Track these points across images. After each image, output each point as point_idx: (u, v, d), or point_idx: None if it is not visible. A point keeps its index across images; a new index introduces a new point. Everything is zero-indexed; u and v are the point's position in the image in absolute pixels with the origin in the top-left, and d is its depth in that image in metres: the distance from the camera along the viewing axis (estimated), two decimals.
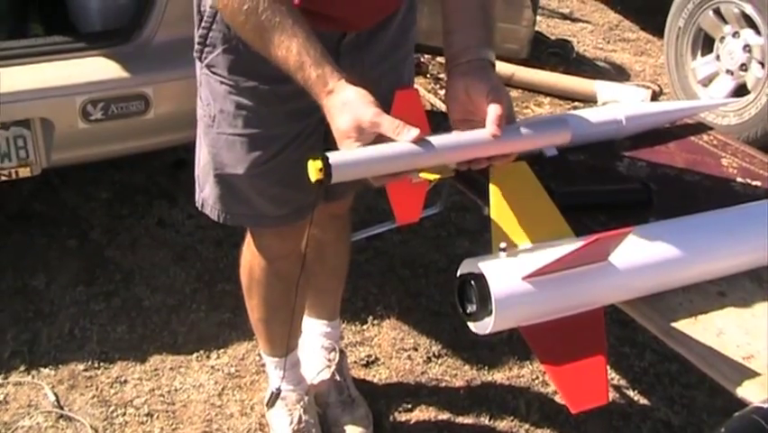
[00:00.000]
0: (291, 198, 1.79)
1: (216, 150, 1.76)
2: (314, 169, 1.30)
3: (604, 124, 1.99)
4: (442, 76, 2.36)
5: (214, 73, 1.69)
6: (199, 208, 1.88)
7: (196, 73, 1.76)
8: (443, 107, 2.22)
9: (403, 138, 1.34)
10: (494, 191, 1.50)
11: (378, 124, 1.34)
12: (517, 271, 1.32)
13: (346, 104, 1.36)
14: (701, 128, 2.20)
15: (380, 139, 1.36)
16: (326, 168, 1.30)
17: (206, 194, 1.84)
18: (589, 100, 2.26)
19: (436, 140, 1.43)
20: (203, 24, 1.66)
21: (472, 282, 1.33)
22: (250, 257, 2.03)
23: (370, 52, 1.71)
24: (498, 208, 1.47)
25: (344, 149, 1.36)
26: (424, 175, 1.43)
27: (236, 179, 1.76)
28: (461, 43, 1.53)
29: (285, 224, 1.83)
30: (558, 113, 2.21)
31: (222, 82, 1.68)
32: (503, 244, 1.37)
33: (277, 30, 1.39)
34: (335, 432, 2.29)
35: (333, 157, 1.31)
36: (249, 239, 2.00)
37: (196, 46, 1.70)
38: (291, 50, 1.39)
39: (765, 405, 1.22)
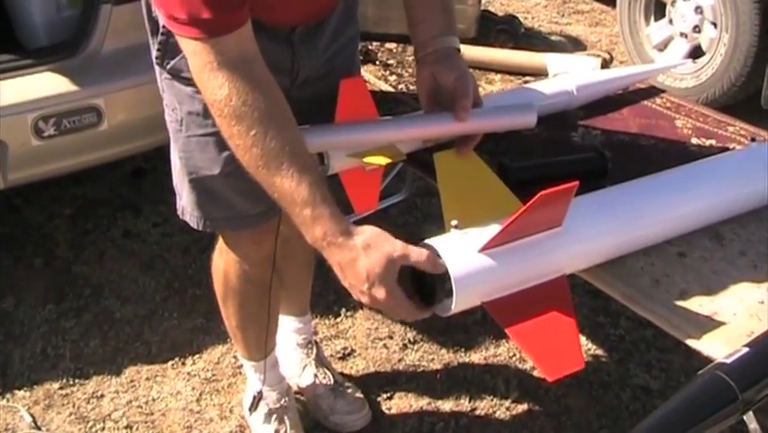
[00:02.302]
0: (265, 192, 1.77)
1: (188, 153, 1.73)
2: None
3: (555, 96, 1.99)
4: (391, 62, 2.35)
5: (177, 77, 1.66)
6: (180, 217, 1.86)
7: (157, 79, 1.73)
8: (392, 92, 2.22)
9: (432, 269, 1.32)
10: (440, 172, 1.51)
11: (407, 255, 1.32)
12: (472, 246, 1.32)
13: (370, 244, 1.32)
14: (654, 92, 2.21)
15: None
16: None
17: (185, 201, 1.82)
18: (541, 74, 2.25)
19: (406, 120, 1.49)
20: (160, 31, 1.63)
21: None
22: (224, 266, 2.01)
23: (321, 37, 1.70)
24: (447, 189, 1.47)
25: (379, 295, 1.31)
26: (373, 160, 1.43)
27: (212, 180, 1.73)
28: (426, 33, 1.62)
29: (263, 222, 1.81)
30: (509, 88, 2.21)
31: (188, 84, 1.65)
32: (455, 222, 1.36)
33: (287, 160, 1.34)
34: (334, 420, 2.30)
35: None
36: (222, 248, 1.98)
37: (156, 53, 1.67)
38: (301, 183, 1.33)
39: (728, 360, 1.23)
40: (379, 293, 1.31)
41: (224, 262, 2.00)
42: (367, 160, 1.56)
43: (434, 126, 1.61)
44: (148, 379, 2.47)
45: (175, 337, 2.62)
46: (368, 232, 1.33)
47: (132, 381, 2.46)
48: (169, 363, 2.52)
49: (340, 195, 1.66)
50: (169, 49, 1.63)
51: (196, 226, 1.82)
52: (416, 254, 1.32)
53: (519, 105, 1.76)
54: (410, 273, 1.33)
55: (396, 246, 1.32)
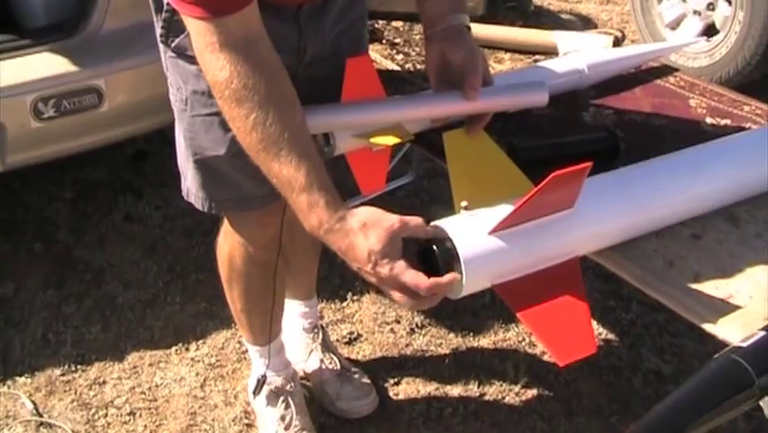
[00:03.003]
0: None
1: (193, 134, 1.73)
2: None
3: (566, 75, 1.98)
4: (397, 41, 2.35)
5: (182, 55, 1.65)
6: (185, 198, 1.86)
7: (162, 58, 1.73)
8: (398, 71, 2.21)
9: (432, 234, 1.32)
10: (450, 152, 1.50)
11: (406, 224, 1.31)
12: (483, 227, 1.31)
13: (366, 223, 1.31)
14: (667, 70, 2.20)
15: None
16: None
17: (189, 182, 1.82)
18: (551, 53, 2.24)
19: (413, 99, 1.48)
20: (165, 8, 1.62)
21: (435, 247, 1.32)
22: (229, 249, 2.01)
23: (327, 16, 1.70)
24: (457, 169, 1.47)
25: (384, 272, 1.30)
26: (380, 140, 1.43)
27: (217, 161, 1.73)
28: (435, 10, 1.61)
29: (268, 203, 1.81)
30: (519, 67, 2.20)
31: (193, 62, 1.64)
32: (464, 203, 1.36)
33: (286, 145, 1.34)
34: (341, 406, 2.30)
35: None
36: (227, 230, 1.98)
37: (160, 31, 1.66)
38: (300, 169, 1.33)
39: (744, 344, 1.22)
40: (385, 270, 1.30)
41: (228, 244, 2.00)
42: (374, 140, 1.56)
43: (443, 105, 1.61)
44: (151, 365, 2.47)
45: (178, 323, 2.62)
46: (362, 212, 1.33)
47: (134, 367, 2.47)
48: (173, 348, 2.53)
49: (346, 177, 1.66)
50: (174, 26, 1.62)
51: (200, 208, 1.82)
52: (414, 222, 1.32)
53: (530, 84, 1.75)
54: (417, 255, 1.33)
55: (392, 219, 1.31)
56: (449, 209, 1.42)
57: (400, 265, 1.30)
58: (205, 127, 1.70)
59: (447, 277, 1.30)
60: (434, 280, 1.29)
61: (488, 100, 1.60)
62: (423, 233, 1.33)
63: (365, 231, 1.31)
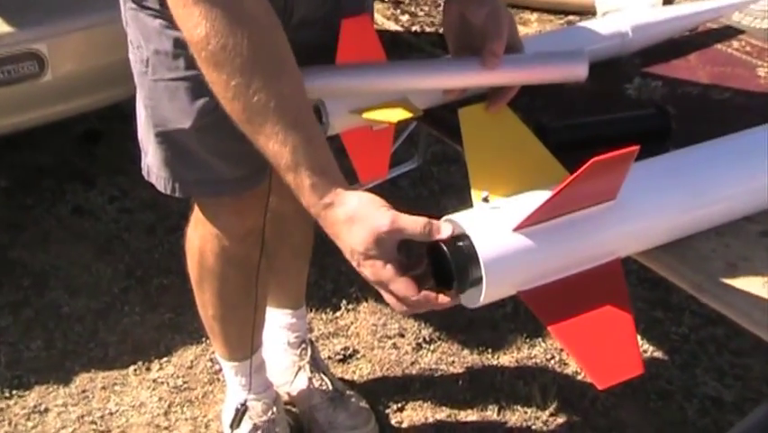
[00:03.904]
0: (249, 153, 1.77)
1: (155, 101, 1.73)
2: None
3: (606, 40, 1.98)
4: None
5: (144, 7, 1.65)
6: (146, 177, 1.86)
7: (121, 10, 1.73)
8: (403, 34, 2.21)
9: (436, 236, 1.31)
10: (467, 132, 1.50)
11: (399, 229, 1.30)
12: (507, 223, 1.31)
13: (352, 217, 1.31)
14: (730, 33, 2.19)
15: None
16: None
17: (150, 159, 1.82)
18: (587, 12, 2.24)
19: (423, 65, 1.46)
20: None
21: (445, 247, 1.32)
22: (199, 242, 2.01)
23: None
24: (475, 152, 1.46)
25: (367, 274, 1.31)
26: (382, 117, 1.42)
27: (183, 135, 1.73)
28: None
29: (246, 188, 1.81)
30: (548, 30, 2.20)
31: (156, 16, 1.64)
32: (484, 193, 1.36)
33: (271, 117, 1.34)
34: None
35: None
36: (198, 219, 1.98)
37: None
38: (286, 145, 1.34)
39: None
40: (367, 272, 1.31)
41: (199, 236, 2.01)
42: (374, 116, 1.55)
43: (458, 74, 1.59)
44: (104, 388, 2.48)
45: (137, 337, 2.63)
46: (351, 202, 1.33)
47: (83, 391, 2.47)
48: (131, 368, 2.54)
49: (341, 162, 1.66)
50: None
51: (163, 190, 1.82)
52: (412, 226, 1.31)
53: (567, 53, 1.74)
54: (427, 254, 1.33)
55: (381, 220, 1.30)
56: (464, 201, 1.42)
57: (388, 271, 1.30)
58: (169, 94, 1.70)
59: (443, 299, 1.31)
60: (424, 294, 1.30)
61: (512, 70, 1.59)
62: (422, 237, 1.32)
63: (350, 226, 1.31)
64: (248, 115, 1.35)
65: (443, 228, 1.30)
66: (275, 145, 1.34)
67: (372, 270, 1.30)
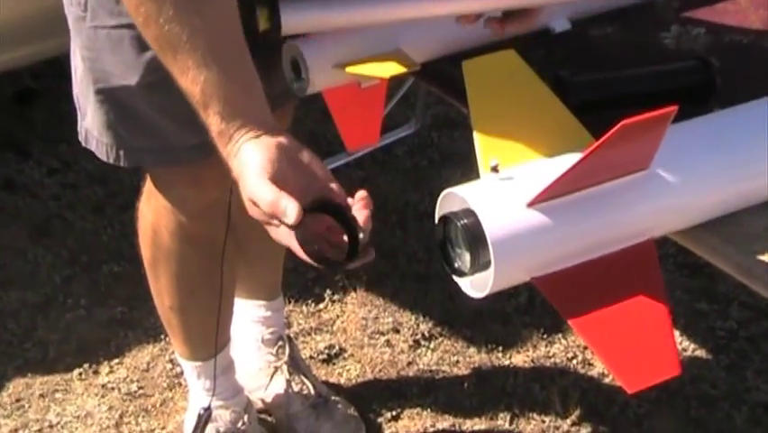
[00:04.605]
0: None
1: (95, 53, 1.73)
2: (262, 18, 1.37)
3: None
4: None
5: None
6: (83, 144, 1.86)
7: None
8: None
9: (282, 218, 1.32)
10: (472, 88, 1.49)
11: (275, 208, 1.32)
12: (519, 197, 1.31)
13: (240, 175, 1.36)
14: None
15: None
16: (275, 15, 1.37)
17: (89, 122, 1.82)
18: None
19: None
20: None
21: (458, 223, 1.32)
22: (153, 217, 2.01)
23: None
24: (482, 115, 1.46)
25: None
26: (371, 71, 1.42)
27: (128, 93, 1.73)
28: None
29: (204, 156, 1.81)
30: None
31: None
32: (493, 161, 1.35)
33: (183, 50, 1.36)
34: None
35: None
36: (150, 190, 1.98)
37: None
38: (197, 82, 1.36)
39: None
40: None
41: (152, 210, 2.01)
42: (362, 71, 1.55)
43: None
44: (43, 396, 2.48)
45: (83, 334, 2.63)
46: (243, 155, 1.36)
47: (18, 399, 2.48)
48: (75, 371, 2.54)
49: (325, 126, 1.66)
50: None
51: (105, 158, 1.82)
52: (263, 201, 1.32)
53: None
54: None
55: (250, 190, 1.33)
56: (469, 172, 1.42)
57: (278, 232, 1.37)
58: (111, 44, 1.70)
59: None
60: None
61: None
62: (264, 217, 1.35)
63: (237, 183, 1.37)
64: (159, 44, 1.39)
65: (289, 211, 1.30)
66: (187, 82, 1.37)
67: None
